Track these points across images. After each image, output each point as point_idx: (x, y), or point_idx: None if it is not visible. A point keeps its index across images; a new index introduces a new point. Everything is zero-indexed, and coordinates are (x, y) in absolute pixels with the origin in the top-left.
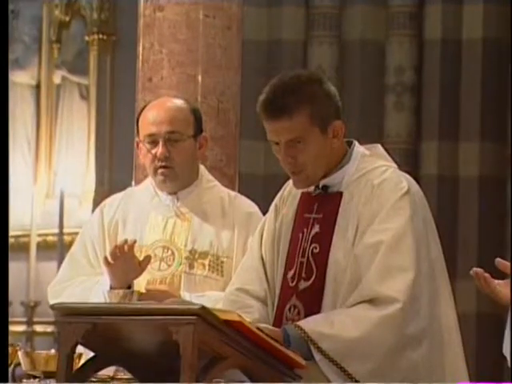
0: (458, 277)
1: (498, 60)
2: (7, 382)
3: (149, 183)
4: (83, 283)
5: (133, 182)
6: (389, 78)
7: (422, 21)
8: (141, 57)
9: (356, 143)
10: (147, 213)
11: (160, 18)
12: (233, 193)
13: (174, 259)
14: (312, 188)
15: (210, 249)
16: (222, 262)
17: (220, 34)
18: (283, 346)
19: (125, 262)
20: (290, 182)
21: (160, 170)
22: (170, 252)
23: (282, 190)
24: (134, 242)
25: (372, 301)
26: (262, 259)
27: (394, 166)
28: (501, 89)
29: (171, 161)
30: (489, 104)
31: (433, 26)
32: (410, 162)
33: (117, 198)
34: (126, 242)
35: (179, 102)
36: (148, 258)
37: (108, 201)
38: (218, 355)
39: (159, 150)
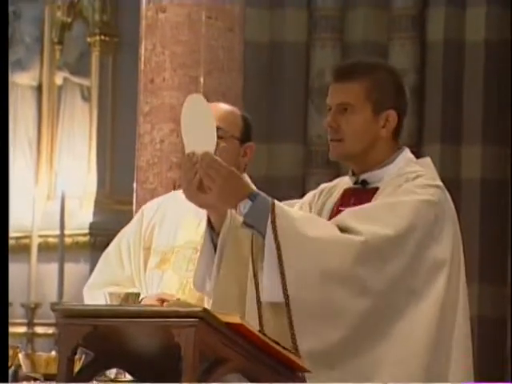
0: None
1: (501, 62)
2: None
3: None
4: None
5: (134, 184)
6: None
7: (425, 23)
8: (143, 58)
9: (407, 149)
10: (183, 214)
11: (162, 20)
12: None
13: None
14: (352, 182)
15: None
16: None
17: (222, 36)
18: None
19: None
20: (323, 185)
21: None
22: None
23: (315, 190)
24: None
25: (341, 228)
26: None
27: (439, 181)
28: (503, 91)
29: None
30: (491, 107)
31: (435, 28)
32: None
33: (157, 201)
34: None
35: (231, 107)
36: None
37: (149, 204)
38: (219, 358)
39: None
